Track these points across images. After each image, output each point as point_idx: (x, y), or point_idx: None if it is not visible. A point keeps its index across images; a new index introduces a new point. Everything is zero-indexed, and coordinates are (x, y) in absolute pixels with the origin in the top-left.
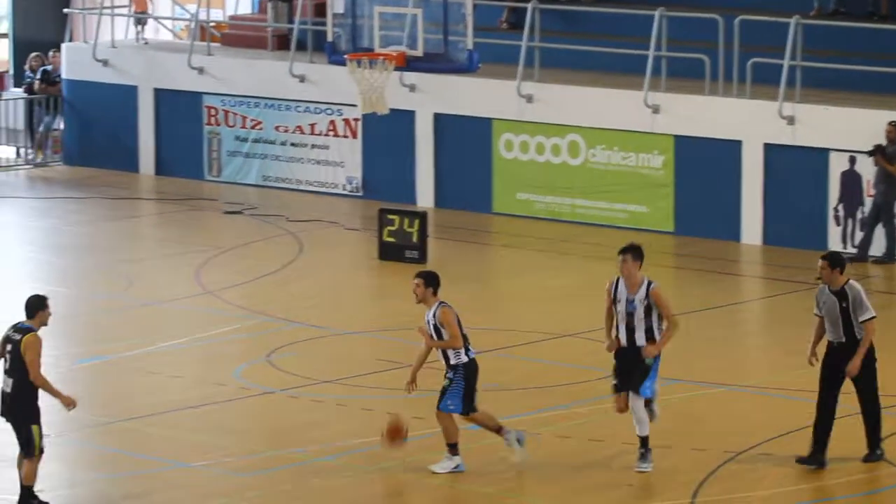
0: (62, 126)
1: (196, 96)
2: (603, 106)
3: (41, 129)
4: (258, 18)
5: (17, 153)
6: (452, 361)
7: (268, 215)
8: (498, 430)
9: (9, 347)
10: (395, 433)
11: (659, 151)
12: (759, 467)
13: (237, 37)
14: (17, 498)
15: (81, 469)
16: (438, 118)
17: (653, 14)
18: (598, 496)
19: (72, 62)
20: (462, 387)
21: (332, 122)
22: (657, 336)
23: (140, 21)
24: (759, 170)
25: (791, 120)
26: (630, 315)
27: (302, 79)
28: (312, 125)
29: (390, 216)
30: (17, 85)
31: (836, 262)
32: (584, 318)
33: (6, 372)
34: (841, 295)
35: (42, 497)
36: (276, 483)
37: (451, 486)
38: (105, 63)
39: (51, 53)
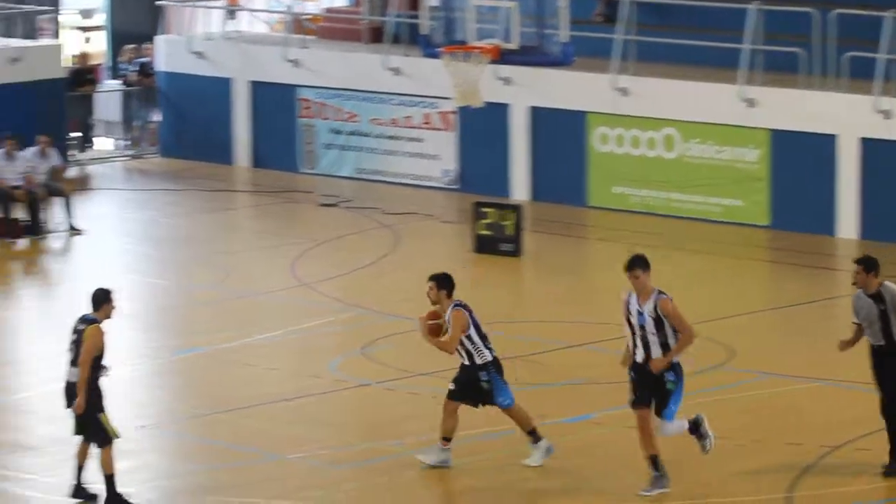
0: (158, 118)
1: (291, 89)
2: (698, 99)
3: (138, 121)
4: (353, 11)
5: (114, 145)
6: (478, 361)
7: (363, 208)
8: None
9: (73, 337)
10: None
11: (754, 145)
12: (856, 462)
13: (332, 29)
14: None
15: (178, 460)
16: (533, 111)
17: (748, 8)
18: (690, 490)
19: (167, 54)
20: (501, 381)
21: (427, 114)
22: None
23: (232, 13)
24: (854, 164)
25: (887, 114)
26: (642, 328)
27: (396, 71)
28: (407, 118)
29: (485, 209)
30: (113, 77)
31: (870, 265)
32: None
33: (71, 362)
34: (877, 298)
35: (139, 488)
36: (372, 475)
37: (538, 481)
38: (200, 55)
39: (145, 46)
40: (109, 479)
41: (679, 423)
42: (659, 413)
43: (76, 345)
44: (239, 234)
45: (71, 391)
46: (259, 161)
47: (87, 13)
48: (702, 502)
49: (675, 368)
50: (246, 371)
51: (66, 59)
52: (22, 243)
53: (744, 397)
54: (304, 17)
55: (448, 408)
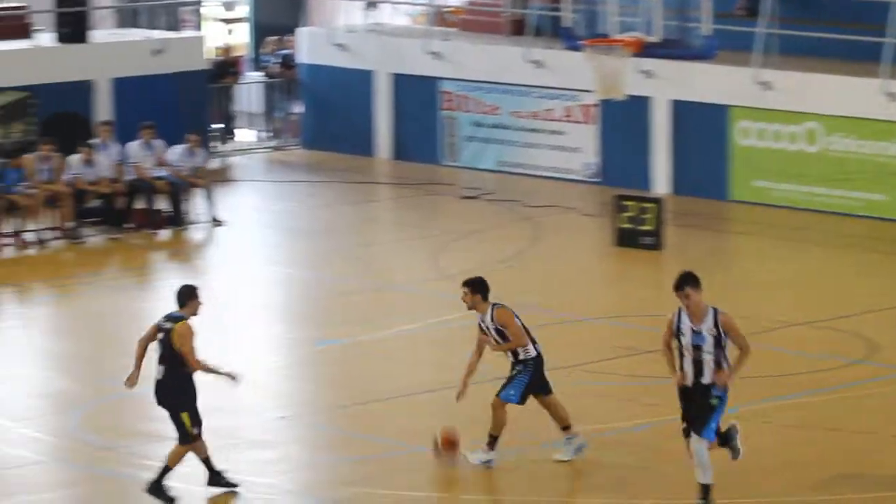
0: (300, 110)
1: (432, 81)
2: (840, 93)
3: (279, 113)
4: (495, 4)
5: (256, 137)
6: (521, 357)
7: (504, 200)
8: (567, 427)
9: (160, 336)
10: (451, 444)
11: None
12: None
13: (473, 22)
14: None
15: (318, 451)
16: (675, 105)
17: (891, 1)
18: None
19: (309, 46)
20: (527, 381)
21: (568, 107)
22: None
23: (373, 5)
24: None
25: None
26: (697, 348)
27: (538, 64)
28: (549, 111)
29: (626, 202)
30: (255, 69)
31: None
32: (822, 307)
33: (158, 360)
34: None
35: (279, 479)
36: (514, 468)
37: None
38: (342, 47)
39: (287, 38)
40: (166, 470)
41: (706, 455)
42: (698, 430)
43: (163, 343)
44: (380, 226)
45: (161, 389)
46: (400, 153)
47: (229, 5)
48: (839, 497)
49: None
50: (386, 363)
51: (209, 50)
52: (164, 234)
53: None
54: (446, 9)
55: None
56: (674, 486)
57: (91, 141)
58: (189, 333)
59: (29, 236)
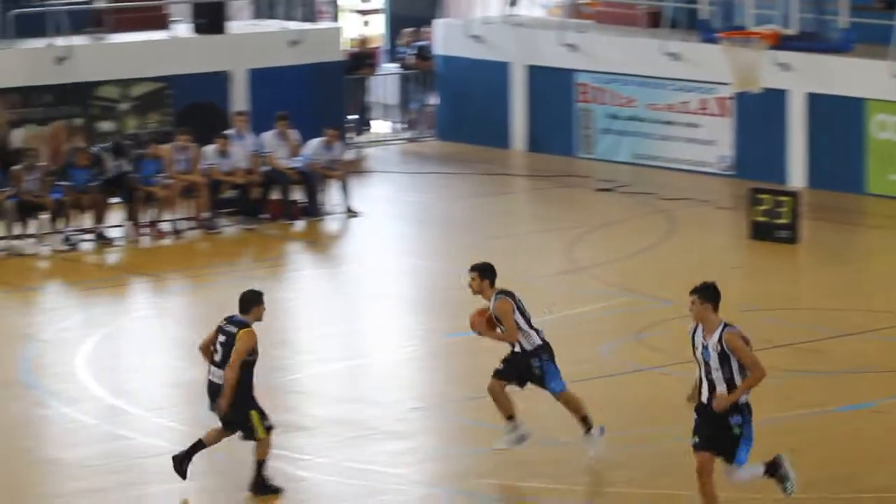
0: (435, 102)
1: (568, 73)
2: None
3: (415, 104)
4: None
5: (392, 128)
6: (527, 347)
7: (639, 193)
8: (511, 417)
9: (222, 339)
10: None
11: None
12: None
13: (609, 14)
14: (393, 469)
15: (449, 443)
16: (811, 98)
17: None
18: None
19: (445, 38)
20: (553, 366)
21: (703, 100)
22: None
23: (513, 3)
24: None
25: None
26: (707, 364)
27: (674, 56)
28: (684, 103)
29: (761, 196)
30: (391, 60)
31: None
32: None
33: (218, 364)
34: None
35: (410, 469)
36: (646, 460)
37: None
38: (478, 39)
39: (423, 29)
40: (261, 465)
41: (753, 468)
42: (729, 460)
43: (225, 346)
44: (514, 218)
45: (214, 391)
46: (535, 145)
47: None
48: None
49: (742, 410)
50: None
51: (345, 42)
52: (299, 225)
53: None
54: (582, 1)
55: (495, 388)
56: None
57: (227, 131)
58: (252, 341)
59: (165, 226)
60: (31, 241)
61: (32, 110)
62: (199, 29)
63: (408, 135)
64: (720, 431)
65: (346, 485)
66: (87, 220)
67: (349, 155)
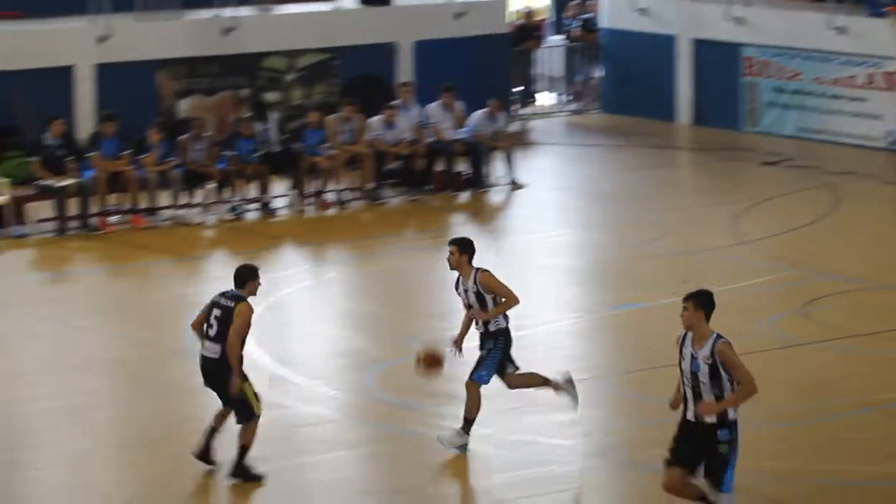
0: (600, 74)
1: (734, 47)
2: None
3: (580, 77)
4: None
5: (557, 100)
6: (492, 329)
7: (804, 167)
8: (545, 382)
9: (217, 313)
10: (434, 361)
11: None
12: None
13: None
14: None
15: (616, 415)
16: None
17: None
18: None
19: (611, 11)
20: (499, 357)
21: (870, 74)
22: (729, 409)
23: None
24: None
25: None
26: (694, 375)
27: (841, 31)
28: (851, 77)
29: None
30: (556, 33)
31: None
32: None
33: (212, 338)
34: None
35: (575, 441)
36: (801, 435)
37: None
38: (643, 12)
39: (589, 2)
40: (244, 450)
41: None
42: (715, 484)
43: (220, 321)
44: (679, 191)
45: (213, 368)
46: (700, 119)
47: None
48: None
49: (730, 426)
50: (678, 328)
51: (511, 14)
52: (463, 196)
53: None
54: None
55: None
56: None
57: (392, 102)
58: (250, 314)
59: (329, 197)
60: (197, 210)
61: (199, 80)
62: (366, 1)
63: (573, 107)
64: (705, 448)
65: (509, 455)
66: (251, 190)
67: (514, 127)
